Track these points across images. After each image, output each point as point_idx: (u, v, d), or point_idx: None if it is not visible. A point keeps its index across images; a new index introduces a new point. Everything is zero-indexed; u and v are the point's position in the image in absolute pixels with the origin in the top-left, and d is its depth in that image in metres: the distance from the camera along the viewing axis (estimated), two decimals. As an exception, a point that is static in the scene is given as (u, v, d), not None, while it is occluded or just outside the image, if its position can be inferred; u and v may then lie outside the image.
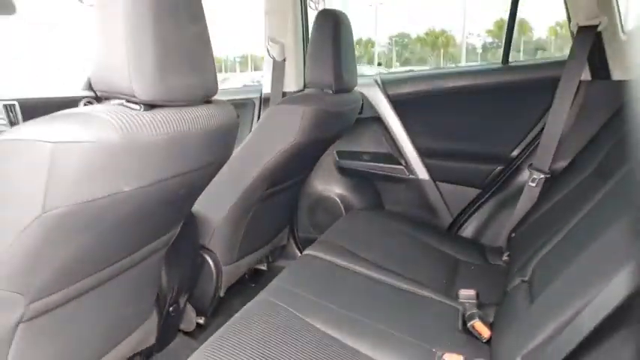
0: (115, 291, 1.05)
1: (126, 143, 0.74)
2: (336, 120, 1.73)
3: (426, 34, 27.45)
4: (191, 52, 0.88)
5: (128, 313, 1.17)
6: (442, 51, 26.33)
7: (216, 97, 1.03)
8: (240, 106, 2.17)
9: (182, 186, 0.97)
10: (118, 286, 1.05)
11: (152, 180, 0.84)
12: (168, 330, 1.47)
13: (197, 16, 0.91)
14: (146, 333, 1.28)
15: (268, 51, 2.07)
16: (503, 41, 1.94)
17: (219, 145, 1.06)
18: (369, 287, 1.33)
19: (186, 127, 0.87)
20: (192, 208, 1.39)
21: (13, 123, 1.74)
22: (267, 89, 2.13)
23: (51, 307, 0.86)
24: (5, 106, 1.73)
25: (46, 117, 0.72)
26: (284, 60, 2.08)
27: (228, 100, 1.11)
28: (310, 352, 0.98)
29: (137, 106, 0.81)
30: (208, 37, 0.95)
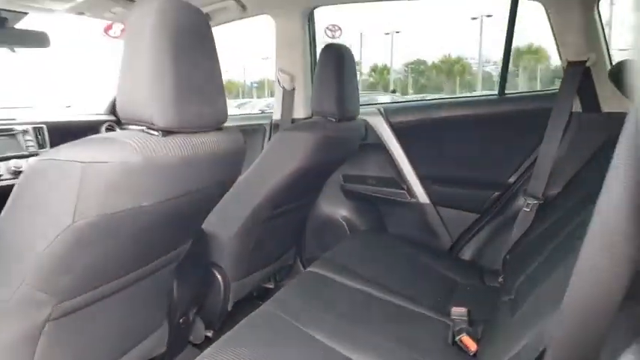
0: (131, 298, 1.16)
1: (145, 164, 0.86)
2: (338, 146, 1.84)
3: (442, 61, 27.66)
4: (204, 86, 1.00)
5: (141, 320, 1.28)
6: (458, 79, 26.44)
7: (227, 124, 1.15)
8: (252, 131, 2.29)
9: (192, 203, 1.08)
10: (133, 294, 1.15)
11: (166, 196, 0.95)
12: (178, 340, 1.56)
13: (210, 54, 1.03)
14: (157, 341, 1.36)
15: (279, 81, 2.20)
16: (500, 73, 2.05)
17: (227, 168, 1.17)
18: (366, 302, 1.41)
19: (197, 151, 0.98)
20: (203, 226, 1.49)
21: (41, 145, 1.87)
22: (277, 116, 2.25)
23: (75, 309, 0.97)
24: (35, 128, 1.87)
25: (79, 141, 0.85)
26: (293, 89, 2.20)
27: (242, 126, 1.22)
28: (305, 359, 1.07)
29: (156, 133, 0.93)
30: (220, 72, 1.07)
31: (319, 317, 1.26)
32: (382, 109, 2.18)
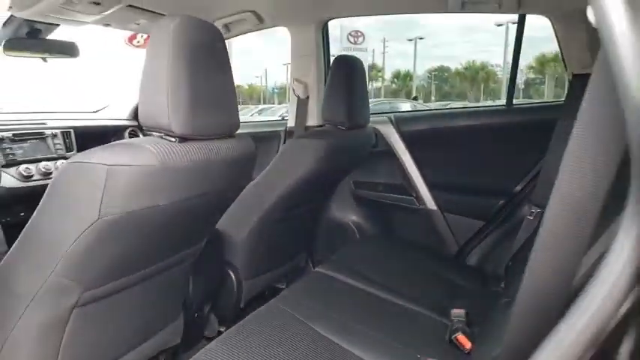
0: (149, 291, 1.25)
1: (162, 168, 0.95)
2: (348, 153, 1.91)
3: (466, 68, 27.36)
4: (217, 97, 1.09)
5: (158, 311, 1.37)
6: (482, 86, 26.12)
7: (245, 130, 1.23)
8: (268, 137, 2.39)
9: (206, 204, 1.18)
10: (152, 287, 1.25)
11: (181, 197, 1.04)
12: (192, 333, 1.64)
13: (223, 68, 1.12)
14: (173, 333, 1.45)
15: (293, 90, 2.29)
16: (507, 85, 2.10)
17: (238, 172, 1.25)
18: (369, 302, 1.48)
19: (210, 156, 1.07)
20: (218, 226, 1.57)
21: (68, 148, 1.99)
22: (291, 123, 2.34)
23: (99, 297, 1.07)
24: (63, 132, 1.98)
25: (105, 146, 0.95)
26: (307, 98, 2.28)
27: (258, 132, 1.30)
28: (308, 352, 1.14)
29: (173, 139, 1.02)
30: (233, 84, 1.16)
31: (322, 313, 1.33)
32: (392, 118, 2.25)
